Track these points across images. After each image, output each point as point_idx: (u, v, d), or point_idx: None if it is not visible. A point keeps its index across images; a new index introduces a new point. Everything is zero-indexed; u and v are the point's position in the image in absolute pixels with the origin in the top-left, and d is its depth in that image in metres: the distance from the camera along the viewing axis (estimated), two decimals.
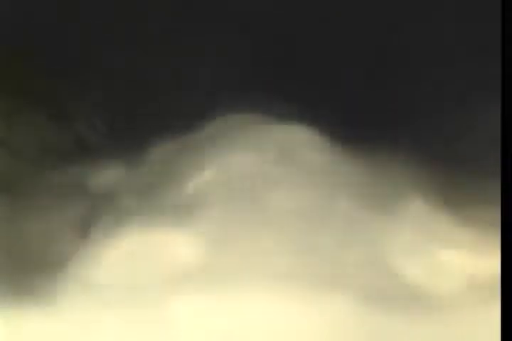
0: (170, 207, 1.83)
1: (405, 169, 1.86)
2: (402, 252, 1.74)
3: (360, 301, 1.59)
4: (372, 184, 1.85)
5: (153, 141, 2.04)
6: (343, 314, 1.57)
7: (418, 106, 2.18)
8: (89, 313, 1.58)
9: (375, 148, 1.93)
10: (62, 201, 1.89)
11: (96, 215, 1.84)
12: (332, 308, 1.57)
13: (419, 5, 2.20)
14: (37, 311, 1.59)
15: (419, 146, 1.97)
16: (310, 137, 1.97)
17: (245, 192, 1.81)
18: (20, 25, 2.26)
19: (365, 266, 1.69)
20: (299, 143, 1.96)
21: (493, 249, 1.46)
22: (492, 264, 1.43)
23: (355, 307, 1.58)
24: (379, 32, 2.25)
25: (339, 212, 1.78)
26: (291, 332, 1.56)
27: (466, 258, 1.64)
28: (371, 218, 1.78)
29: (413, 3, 2.20)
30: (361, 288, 1.63)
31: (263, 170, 1.88)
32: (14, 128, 2.14)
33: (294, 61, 2.29)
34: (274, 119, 2.03)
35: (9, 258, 1.73)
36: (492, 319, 1.42)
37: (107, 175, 1.99)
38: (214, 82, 2.28)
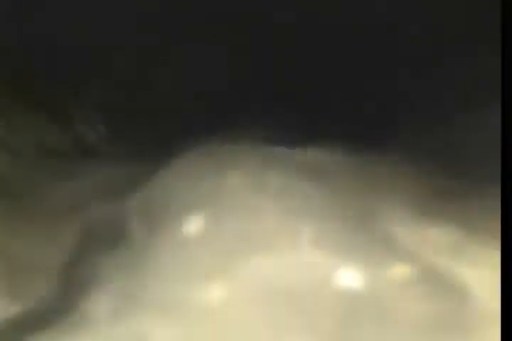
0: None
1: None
2: None
3: None
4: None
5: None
6: None
7: (417, 107, 2.19)
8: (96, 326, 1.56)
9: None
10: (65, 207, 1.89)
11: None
12: None
13: (419, 5, 2.21)
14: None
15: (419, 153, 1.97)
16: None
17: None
18: (20, 26, 2.27)
19: None
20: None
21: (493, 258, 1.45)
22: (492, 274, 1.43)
23: None
24: (378, 32, 2.26)
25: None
26: None
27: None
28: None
29: (412, 3, 2.21)
30: None
31: None
32: (14, 128, 2.14)
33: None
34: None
35: (6, 265, 1.73)
36: None
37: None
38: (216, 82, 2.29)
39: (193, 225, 1.63)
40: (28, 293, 1.64)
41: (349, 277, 1.54)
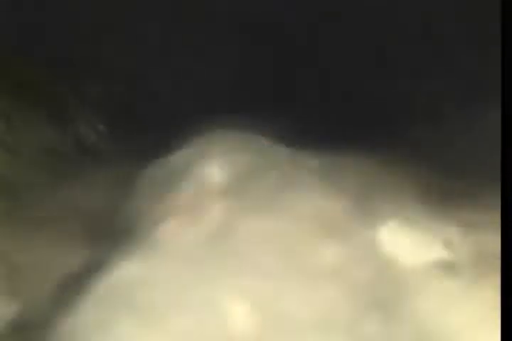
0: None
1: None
2: None
3: None
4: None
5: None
6: None
7: (416, 107, 2.19)
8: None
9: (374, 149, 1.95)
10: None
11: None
12: None
13: (418, 5, 2.21)
14: None
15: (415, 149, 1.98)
16: None
17: None
18: (20, 25, 2.27)
19: None
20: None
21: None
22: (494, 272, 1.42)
23: None
24: (377, 31, 2.26)
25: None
26: None
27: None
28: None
29: (412, 2, 2.21)
30: None
31: None
32: (14, 128, 2.14)
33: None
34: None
35: (6, 264, 1.72)
36: None
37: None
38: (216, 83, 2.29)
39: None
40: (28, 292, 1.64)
41: None
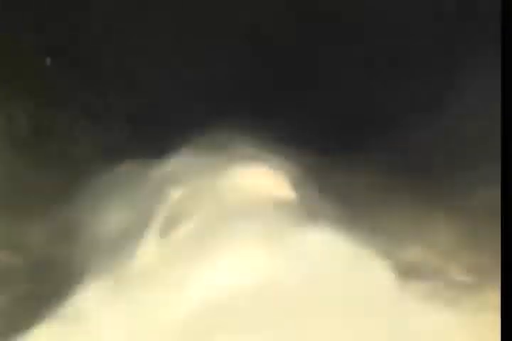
0: None
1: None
2: None
3: None
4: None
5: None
6: None
7: (417, 106, 2.19)
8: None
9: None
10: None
11: None
12: None
13: (418, 4, 2.21)
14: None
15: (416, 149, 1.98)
16: None
17: None
18: (20, 25, 2.27)
19: None
20: None
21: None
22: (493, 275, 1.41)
23: None
24: (377, 30, 2.25)
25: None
26: None
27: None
28: None
29: (412, 2, 2.21)
30: None
31: None
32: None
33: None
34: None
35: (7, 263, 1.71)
36: None
37: None
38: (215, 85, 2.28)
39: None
40: None
41: None
